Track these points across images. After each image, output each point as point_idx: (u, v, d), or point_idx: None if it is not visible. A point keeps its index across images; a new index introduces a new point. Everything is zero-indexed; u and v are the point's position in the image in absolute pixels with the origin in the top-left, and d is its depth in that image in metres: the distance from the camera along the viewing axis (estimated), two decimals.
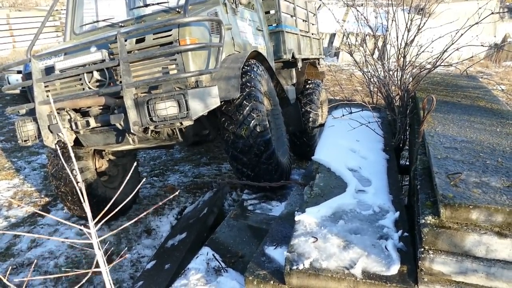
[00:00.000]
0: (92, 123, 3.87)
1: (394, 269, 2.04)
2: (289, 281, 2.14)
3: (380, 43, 3.84)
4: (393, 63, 3.70)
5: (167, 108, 3.44)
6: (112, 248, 4.54)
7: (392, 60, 3.75)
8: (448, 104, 3.26)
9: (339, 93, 10.75)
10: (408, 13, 3.67)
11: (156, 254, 4.26)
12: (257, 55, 4.70)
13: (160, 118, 3.46)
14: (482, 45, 3.21)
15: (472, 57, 3.44)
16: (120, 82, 3.60)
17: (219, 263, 3.06)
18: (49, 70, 3.98)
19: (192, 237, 4.11)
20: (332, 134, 3.74)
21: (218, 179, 5.76)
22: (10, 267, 4.29)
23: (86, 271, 1.80)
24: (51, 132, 3.91)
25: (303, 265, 2.11)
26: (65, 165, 2.30)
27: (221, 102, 3.75)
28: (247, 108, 3.91)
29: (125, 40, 3.63)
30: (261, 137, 3.92)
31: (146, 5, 5.00)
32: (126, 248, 4.56)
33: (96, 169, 5.05)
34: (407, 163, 3.96)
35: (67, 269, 4.12)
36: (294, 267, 2.10)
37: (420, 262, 1.93)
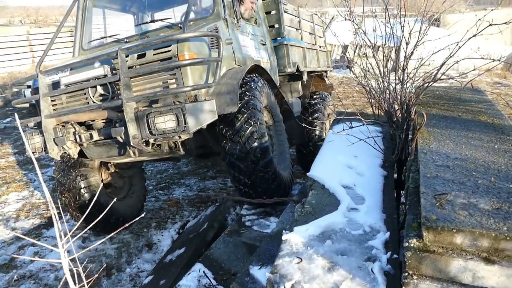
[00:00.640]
0: (95, 136, 3.99)
1: None
2: None
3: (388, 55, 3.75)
4: (392, 76, 3.62)
5: (165, 121, 3.50)
6: (113, 262, 4.55)
7: (392, 73, 3.67)
8: (447, 118, 3.15)
9: (350, 106, 10.64)
10: (409, 24, 3.59)
11: (155, 269, 4.23)
12: (258, 69, 4.70)
13: (159, 131, 3.53)
14: (482, 58, 3.09)
15: (474, 69, 3.32)
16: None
17: (210, 280, 3.01)
18: (55, 85, 4.11)
19: (189, 253, 4.07)
20: (330, 150, 3.67)
21: (219, 196, 5.72)
22: (12, 279, 4.35)
23: None
24: (56, 144, 4.02)
25: (284, 287, 2.04)
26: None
27: (218, 116, 3.76)
28: (245, 116, 3.93)
29: (127, 56, 3.72)
30: (258, 144, 3.91)
31: (150, 22, 5.11)
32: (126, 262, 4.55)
33: (102, 180, 5.14)
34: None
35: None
36: None
37: (403, 287, 1.83)
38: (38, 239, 5.14)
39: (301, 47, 6.51)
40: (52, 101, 4.15)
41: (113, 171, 5.32)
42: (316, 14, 7.72)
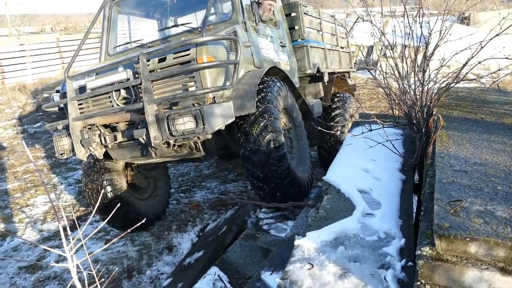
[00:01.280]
0: (119, 137, 4.15)
1: None
2: None
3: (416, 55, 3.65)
4: (412, 78, 3.52)
5: (185, 123, 3.61)
6: (134, 264, 4.62)
7: (411, 74, 3.57)
8: (469, 121, 3.03)
9: (374, 108, 10.46)
10: (429, 24, 3.49)
11: (174, 272, 4.26)
12: (277, 71, 4.70)
13: (179, 132, 3.64)
14: (507, 58, 2.96)
15: (499, 70, 3.19)
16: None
17: (225, 284, 3.00)
18: (82, 89, 4.28)
19: (207, 256, 4.09)
20: (347, 153, 3.60)
21: (233, 199, 5.73)
22: (38, 280, 4.49)
23: None
24: (83, 146, 4.21)
25: None
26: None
27: (236, 117, 3.83)
28: (261, 124, 3.96)
29: (148, 60, 3.85)
30: (275, 152, 3.94)
31: (171, 27, 5.22)
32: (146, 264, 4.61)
33: (127, 181, 5.27)
34: None
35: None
36: None
37: None
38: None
39: (322, 48, 6.45)
40: (79, 104, 4.34)
41: (137, 172, 5.48)
42: (333, 16, 7.61)
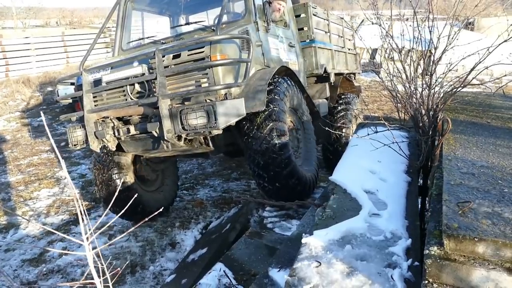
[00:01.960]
0: (132, 130, 4.25)
1: None
2: None
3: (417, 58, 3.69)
4: (420, 81, 3.55)
5: (197, 118, 3.70)
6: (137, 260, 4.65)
7: (419, 78, 3.61)
8: (475, 125, 3.07)
9: (377, 111, 10.49)
10: (437, 28, 3.52)
11: (177, 268, 4.30)
12: (287, 71, 4.76)
13: (191, 127, 3.73)
14: None
15: (504, 75, 3.22)
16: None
17: (230, 280, 3.04)
18: (97, 82, 4.36)
19: (211, 253, 4.12)
20: (353, 154, 3.64)
21: (239, 197, 5.76)
22: (41, 273, 4.52)
23: (81, 282, 1.84)
24: (97, 137, 4.32)
25: None
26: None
27: (247, 113, 3.90)
28: (268, 128, 4.03)
29: (163, 56, 3.92)
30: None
31: (184, 24, 5.29)
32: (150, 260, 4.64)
33: (135, 173, 5.35)
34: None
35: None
36: None
37: None
38: (67, 234, 5.32)
39: (329, 49, 6.52)
40: (94, 97, 4.43)
41: (145, 165, 5.56)
42: (342, 18, 7.66)
